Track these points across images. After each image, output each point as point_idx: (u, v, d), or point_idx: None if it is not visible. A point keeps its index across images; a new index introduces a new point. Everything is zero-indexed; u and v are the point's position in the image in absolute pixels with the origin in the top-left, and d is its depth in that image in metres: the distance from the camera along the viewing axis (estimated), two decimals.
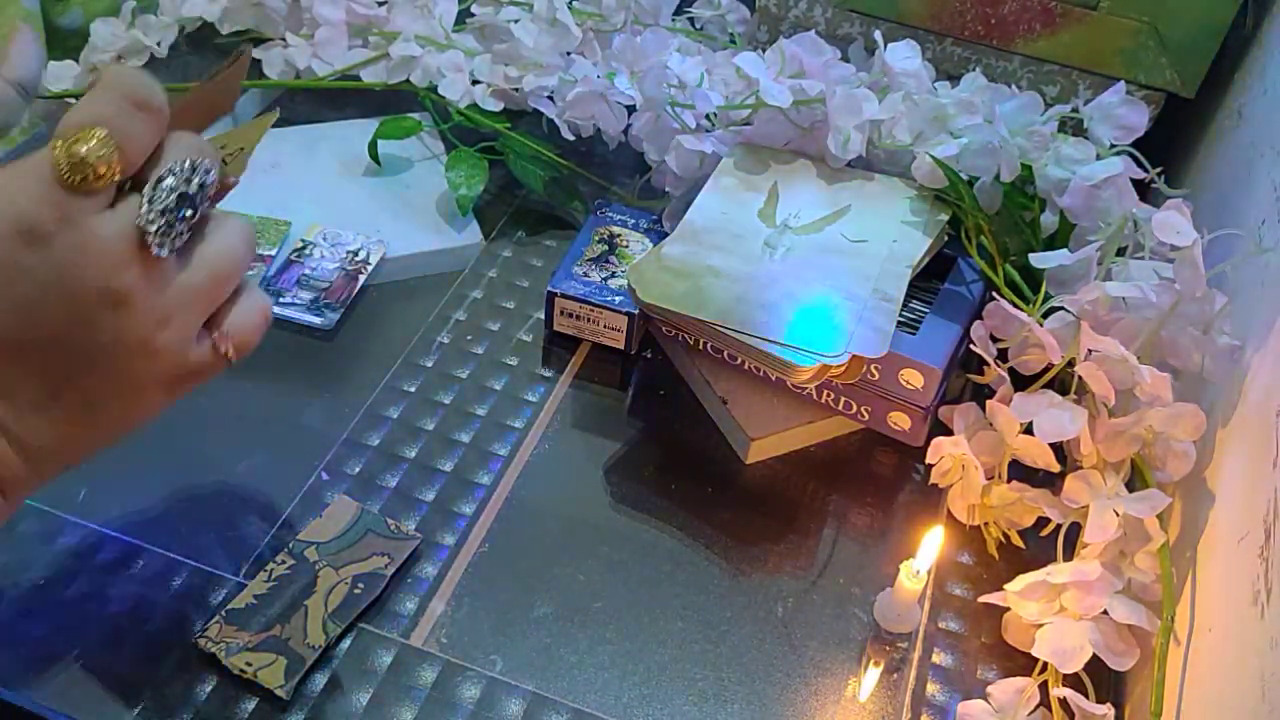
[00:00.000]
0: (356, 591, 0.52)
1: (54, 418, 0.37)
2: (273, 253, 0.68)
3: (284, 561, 0.53)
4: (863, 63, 0.75)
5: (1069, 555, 0.53)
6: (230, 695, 0.49)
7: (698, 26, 0.84)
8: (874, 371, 0.58)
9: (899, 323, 0.57)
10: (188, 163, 0.37)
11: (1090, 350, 0.52)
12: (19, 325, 0.35)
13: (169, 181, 0.37)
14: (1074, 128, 0.65)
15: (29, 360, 0.36)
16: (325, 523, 0.55)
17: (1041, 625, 0.50)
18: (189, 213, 0.37)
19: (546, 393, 0.64)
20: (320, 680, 0.50)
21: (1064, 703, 0.48)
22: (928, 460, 0.56)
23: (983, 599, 0.53)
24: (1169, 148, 0.73)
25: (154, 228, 0.36)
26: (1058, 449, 0.53)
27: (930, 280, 0.62)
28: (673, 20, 0.84)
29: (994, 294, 0.59)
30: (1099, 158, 0.61)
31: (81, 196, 0.34)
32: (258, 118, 0.43)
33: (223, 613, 0.50)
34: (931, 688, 0.52)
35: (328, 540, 0.54)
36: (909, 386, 0.58)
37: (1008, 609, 0.53)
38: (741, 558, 0.57)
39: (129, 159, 0.35)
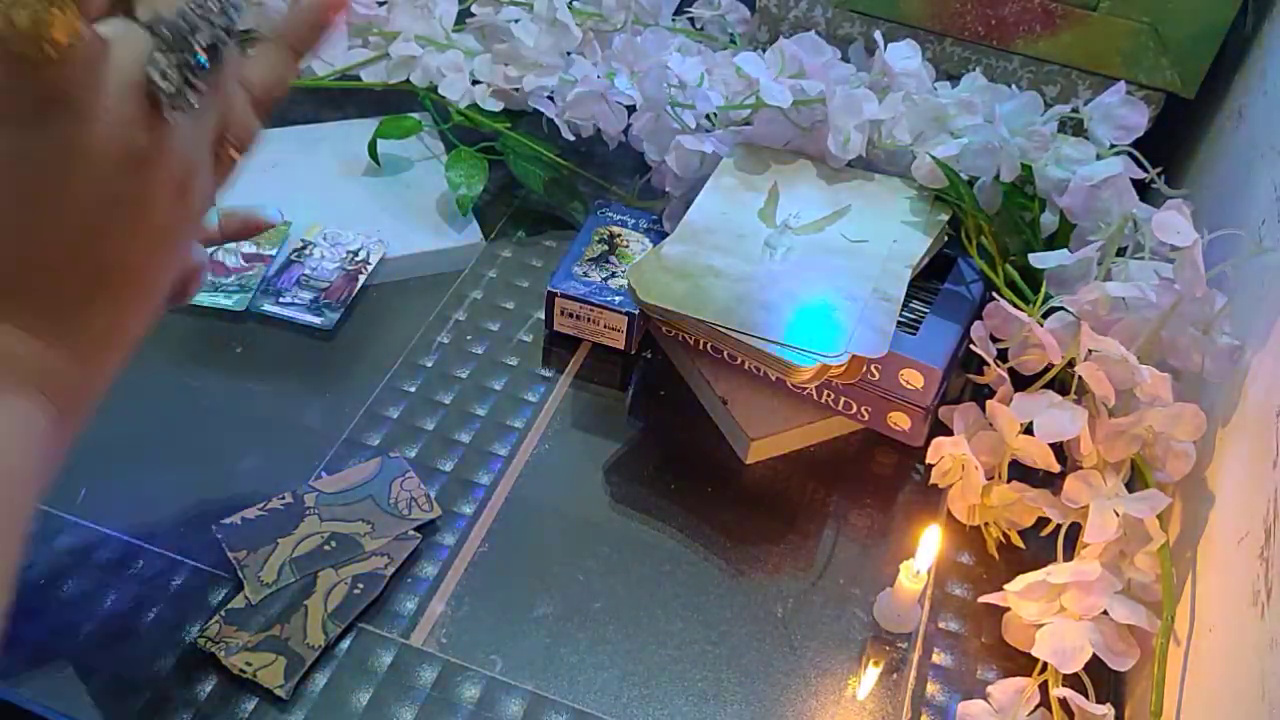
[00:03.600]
0: (356, 592, 0.52)
1: (100, 307, 0.34)
2: (273, 253, 0.68)
3: (283, 497, 0.55)
4: (863, 63, 0.75)
5: (1069, 555, 0.53)
6: (230, 695, 0.49)
7: (698, 26, 0.84)
8: (874, 371, 0.58)
9: (899, 323, 0.57)
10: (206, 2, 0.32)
11: (1090, 350, 0.52)
12: (33, 221, 0.31)
13: (200, 33, 0.32)
14: (1074, 128, 0.65)
15: (63, 256, 0.32)
16: (341, 477, 0.57)
17: (1041, 625, 0.50)
18: (212, 63, 0.32)
19: (546, 393, 0.64)
20: (320, 680, 0.50)
21: (1064, 703, 0.48)
22: (928, 460, 0.56)
23: (983, 599, 0.53)
24: (1169, 148, 0.73)
25: (168, 87, 0.31)
26: (1058, 449, 0.53)
27: (930, 280, 0.62)
28: (673, 20, 0.84)
29: (994, 294, 0.59)
30: (1099, 158, 0.61)
31: (48, 68, 0.29)
32: None
33: (222, 613, 0.50)
34: (931, 688, 0.52)
35: (331, 492, 0.56)
36: (909, 386, 0.58)
37: (1008, 609, 0.53)
38: (741, 558, 0.57)
39: (87, 12, 0.29)
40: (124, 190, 0.32)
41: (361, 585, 0.52)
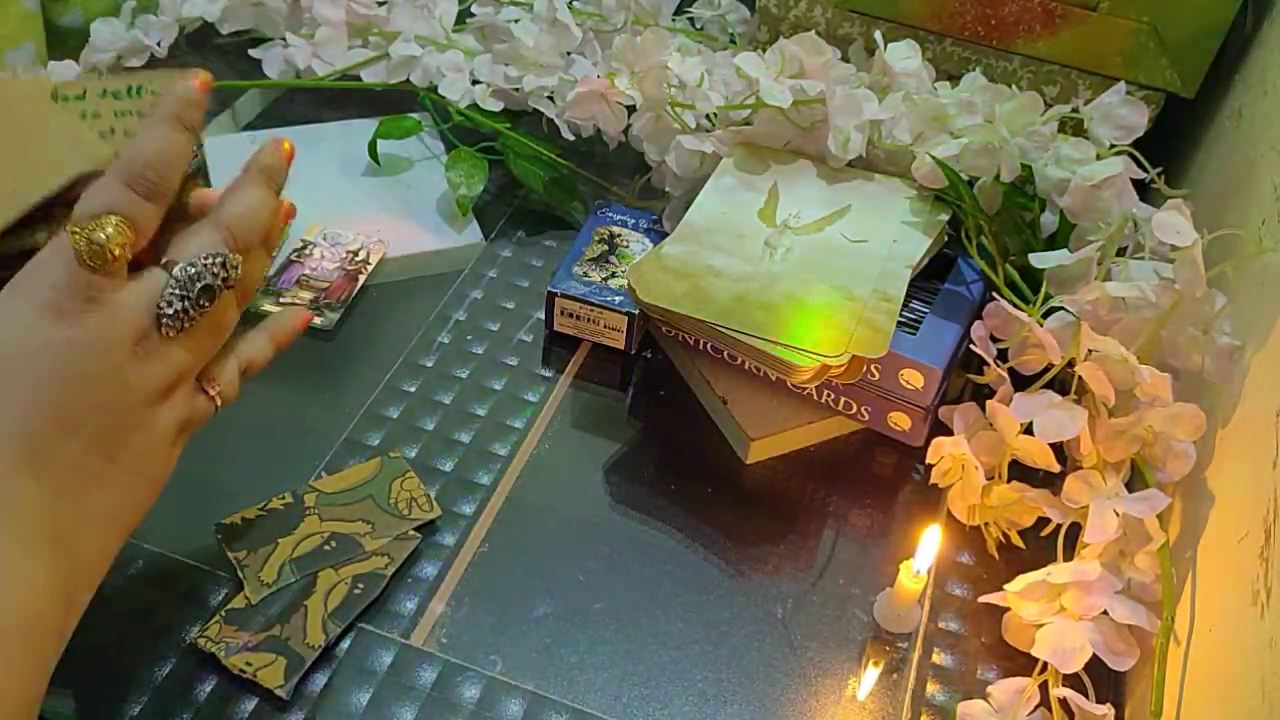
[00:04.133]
0: (356, 592, 0.52)
1: (115, 482, 0.40)
2: (273, 253, 0.68)
3: (283, 497, 0.55)
4: (863, 63, 0.75)
5: (1069, 555, 0.53)
6: (230, 695, 0.49)
7: (698, 26, 0.84)
8: (874, 371, 0.58)
9: (899, 323, 0.57)
10: (214, 256, 0.42)
11: (1090, 350, 0.52)
12: (67, 395, 0.38)
13: (191, 271, 0.41)
14: (1074, 128, 0.65)
15: (84, 428, 0.38)
16: (341, 477, 0.57)
17: (1041, 625, 0.50)
18: (206, 303, 0.42)
19: (546, 393, 0.64)
20: (320, 680, 0.50)
21: (1064, 703, 0.48)
22: (928, 460, 0.56)
23: (983, 599, 0.53)
24: (1169, 148, 0.73)
25: (171, 311, 0.41)
26: (1058, 449, 0.53)
27: (930, 280, 0.62)
28: (673, 20, 0.84)
29: (994, 294, 0.59)
30: (1099, 158, 0.61)
31: (102, 275, 0.38)
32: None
33: (223, 613, 0.50)
34: (931, 688, 0.52)
35: (331, 492, 0.55)
36: (909, 386, 0.58)
37: (1008, 609, 0.53)
38: (741, 558, 0.57)
39: (141, 238, 0.40)
40: (130, 378, 0.40)
41: (362, 585, 0.52)
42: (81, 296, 0.38)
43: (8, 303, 0.38)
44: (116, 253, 0.38)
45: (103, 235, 0.38)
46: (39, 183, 0.52)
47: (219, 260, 0.42)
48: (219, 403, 0.46)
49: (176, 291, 0.41)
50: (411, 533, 0.55)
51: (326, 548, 0.53)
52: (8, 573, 0.36)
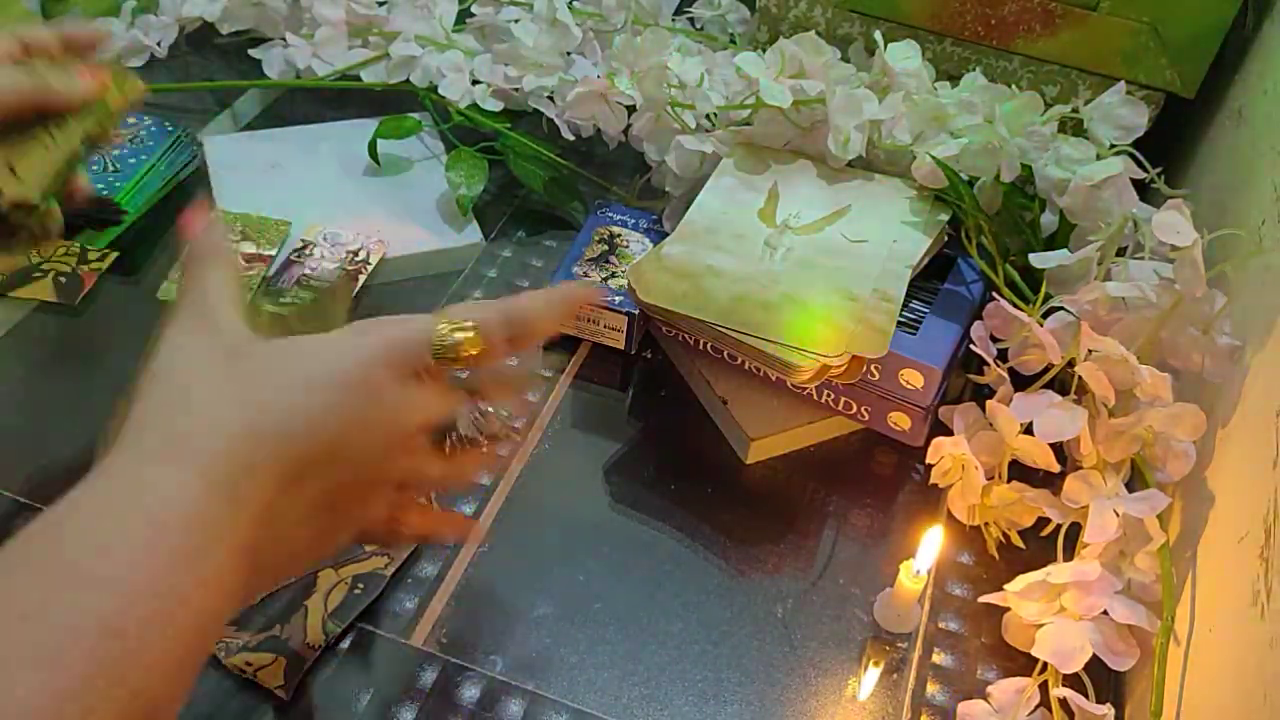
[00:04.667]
0: (357, 592, 0.52)
1: (313, 527, 0.39)
2: (273, 253, 0.68)
3: None
4: (863, 63, 0.75)
5: (1069, 555, 0.53)
6: (230, 695, 0.49)
7: (698, 26, 0.84)
8: (874, 371, 0.58)
9: (899, 323, 0.57)
10: (503, 411, 0.45)
11: (1090, 350, 0.52)
12: (347, 435, 0.37)
13: (489, 421, 0.44)
14: (1074, 128, 0.65)
15: (334, 468, 0.38)
16: None
17: (1041, 625, 0.50)
18: (484, 442, 0.45)
19: (546, 393, 0.64)
20: (320, 680, 0.50)
21: (1064, 703, 0.48)
22: (928, 460, 0.56)
23: (983, 599, 0.53)
24: (1169, 148, 0.73)
25: (456, 437, 0.43)
26: (1058, 449, 0.53)
27: (930, 280, 0.62)
28: (673, 20, 0.84)
29: (994, 294, 0.59)
30: (1099, 158, 0.61)
31: (436, 365, 0.40)
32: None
33: None
34: (931, 688, 0.52)
35: None
36: (909, 386, 0.58)
37: (1008, 609, 0.53)
38: (741, 558, 0.57)
39: (481, 362, 0.41)
40: (397, 456, 0.40)
41: (362, 585, 0.52)
42: (420, 368, 0.39)
43: (360, 334, 0.39)
44: (461, 356, 0.40)
45: (460, 336, 0.40)
46: None
47: (505, 416, 0.45)
48: (388, 549, 0.52)
49: (472, 429, 0.44)
50: None
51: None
52: (220, 573, 0.34)
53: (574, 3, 0.80)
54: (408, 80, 0.78)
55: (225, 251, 0.41)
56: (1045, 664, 0.49)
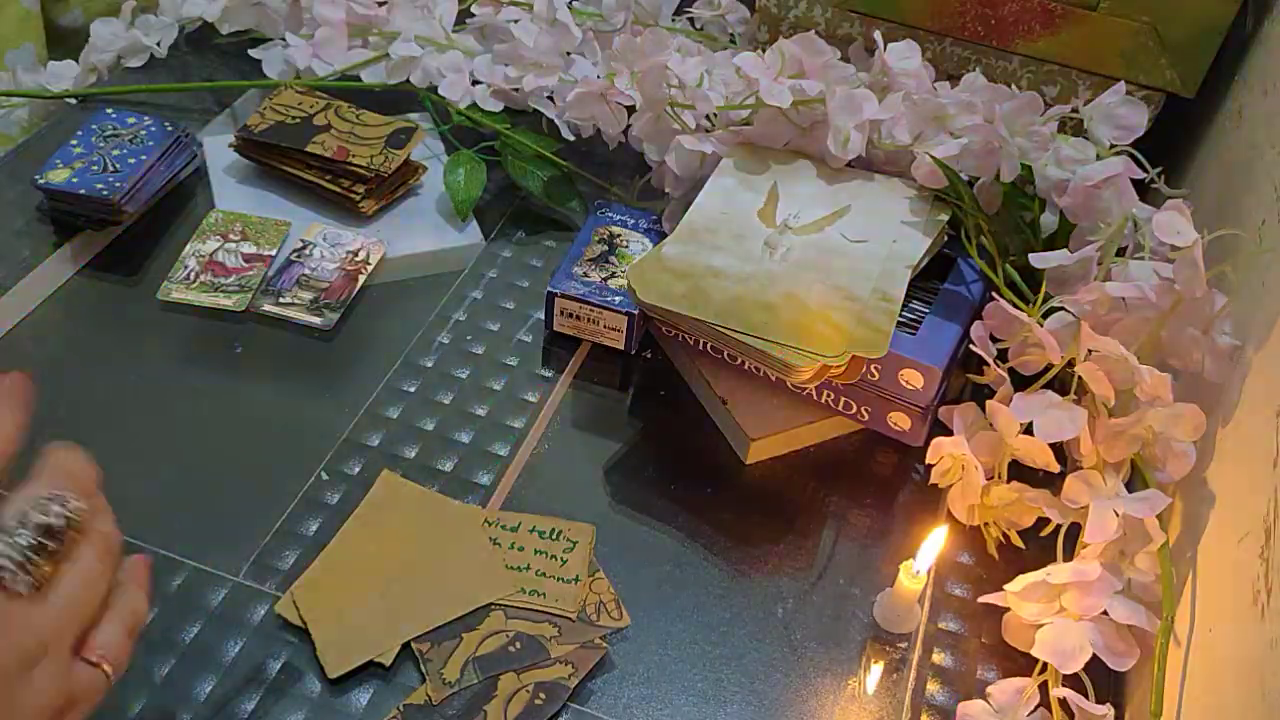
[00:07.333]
0: (538, 702, 0.49)
1: None
2: (273, 253, 0.68)
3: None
4: (863, 63, 0.75)
5: (1069, 555, 0.53)
6: (229, 695, 0.49)
7: (698, 26, 0.84)
8: (874, 371, 0.58)
9: (899, 323, 0.57)
10: (44, 498, 0.37)
11: (1090, 350, 0.52)
12: None
13: (32, 516, 0.36)
14: (1074, 128, 0.65)
15: None
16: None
17: (1041, 625, 0.50)
18: (49, 542, 0.36)
19: (546, 393, 0.64)
20: (320, 679, 0.50)
21: (1064, 703, 0.48)
22: (928, 460, 0.56)
23: (983, 599, 0.53)
24: (1169, 148, 0.73)
25: (9, 564, 0.35)
26: (1058, 449, 0.53)
27: (930, 280, 0.62)
28: (673, 20, 0.84)
29: (994, 294, 0.59)
30: (1099, 158, 0.61)
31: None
32: None
33: (400, 707, 0.48)
34: (931, 688, 0.52)
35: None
36: (909, 386, 0.58)
37: (1008, 609, 0.53)
38: (741, 558, 0.57)
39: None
40: None
41: (544, 695, 0.49)
42: None
43: None
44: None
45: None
46: (447, 608, 0.52)
47: (52, 499, 0.37)
48: (109, 672, 0.39)
49: (7, 539, 0.35)
50: (598, 641, 0.52)
51: (511, 649, 0.51)
52: None
53: (574, 3, 0.80)
54: (407, 80, 0.78)
55: None
56: (1045, 664, 0.49)
